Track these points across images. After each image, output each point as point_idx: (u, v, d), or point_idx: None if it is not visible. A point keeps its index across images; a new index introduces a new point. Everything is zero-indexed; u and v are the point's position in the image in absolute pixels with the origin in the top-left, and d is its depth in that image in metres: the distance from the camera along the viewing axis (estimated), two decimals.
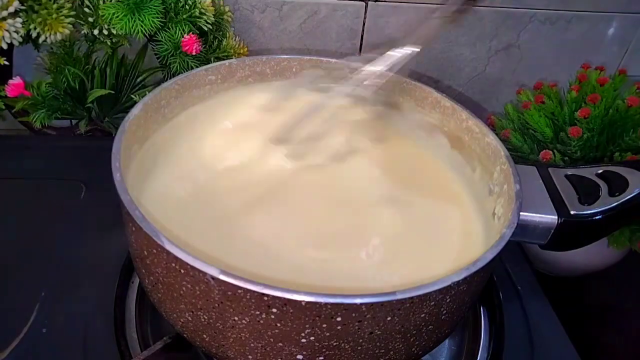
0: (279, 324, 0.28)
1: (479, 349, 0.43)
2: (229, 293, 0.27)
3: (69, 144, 0.59)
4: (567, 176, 0.41)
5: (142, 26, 0.50)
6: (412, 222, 0.41)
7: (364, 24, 0.65)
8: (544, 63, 0.72)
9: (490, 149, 0.41)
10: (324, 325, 0.28)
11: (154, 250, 0.30)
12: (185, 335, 0.34)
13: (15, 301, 0.43)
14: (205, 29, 0.54)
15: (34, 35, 0.49)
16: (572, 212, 0.37)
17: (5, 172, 0.54)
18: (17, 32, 0.48)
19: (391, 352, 0.31)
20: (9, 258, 0.46)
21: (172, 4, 0.52)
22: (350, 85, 0.43)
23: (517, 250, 0.54)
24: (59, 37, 0.50)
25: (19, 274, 0.44)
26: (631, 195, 0.37)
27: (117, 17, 0.49)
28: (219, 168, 0.44)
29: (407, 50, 0.41)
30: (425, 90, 0.47)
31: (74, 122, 0.60)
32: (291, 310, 0.27)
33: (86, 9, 0.51)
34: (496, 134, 0.41)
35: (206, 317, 0.30)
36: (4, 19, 0.47)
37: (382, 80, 0.42)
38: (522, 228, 0.35)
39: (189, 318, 0.31)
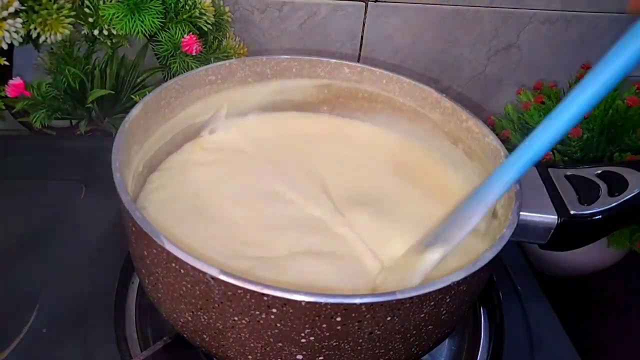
0: (279, 324, 0.28)
1: (479, 349, 0.43)
2: (229, 293, 0.27)
3: (69, 144, 0.59)
4: (567, 176, 0.41)
5: (142, 26, 0.50)
6: (412, 222, 0.41)
7: (364, 24, 0.65)
8: (544, 63, 0.72)
9: (490, 149, 0.41)
10: (324, 325, 0.28)
11: (154, 250, 0.30)
12: (185, 335, 0.34)
13: (15, 301, 0.43)
14: (205, 29, 0.54)
15: (34, 35, 0.49)
16: (572, 212, 0.37)
17: (6, 172, 0.54)
18: (17, 32, 0.48)
19: (391, 352, 0.31)
20: (9, 258, 0.46)
21: (172, 4, 0.52)
22: None
23: (517, 250, 0.54)
24: (59, 37, 0.50)
25: (19, 274, 0.44)
26: (631, 195, 0.37)
27: (117, 17, 0.49)
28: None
29: None
30: (425, 90, 0.46)
31: (74, 122, 0.60)
32: (291, 310, 0.27)
33: (86, 9, 0.51)
34: (496, 134, 0.41)
35: (206, 317, 0.30)
36: (4, 19, 0.47)
37: None
38: (522, 228, 0.35)
39: (189, 318, 0.31)
